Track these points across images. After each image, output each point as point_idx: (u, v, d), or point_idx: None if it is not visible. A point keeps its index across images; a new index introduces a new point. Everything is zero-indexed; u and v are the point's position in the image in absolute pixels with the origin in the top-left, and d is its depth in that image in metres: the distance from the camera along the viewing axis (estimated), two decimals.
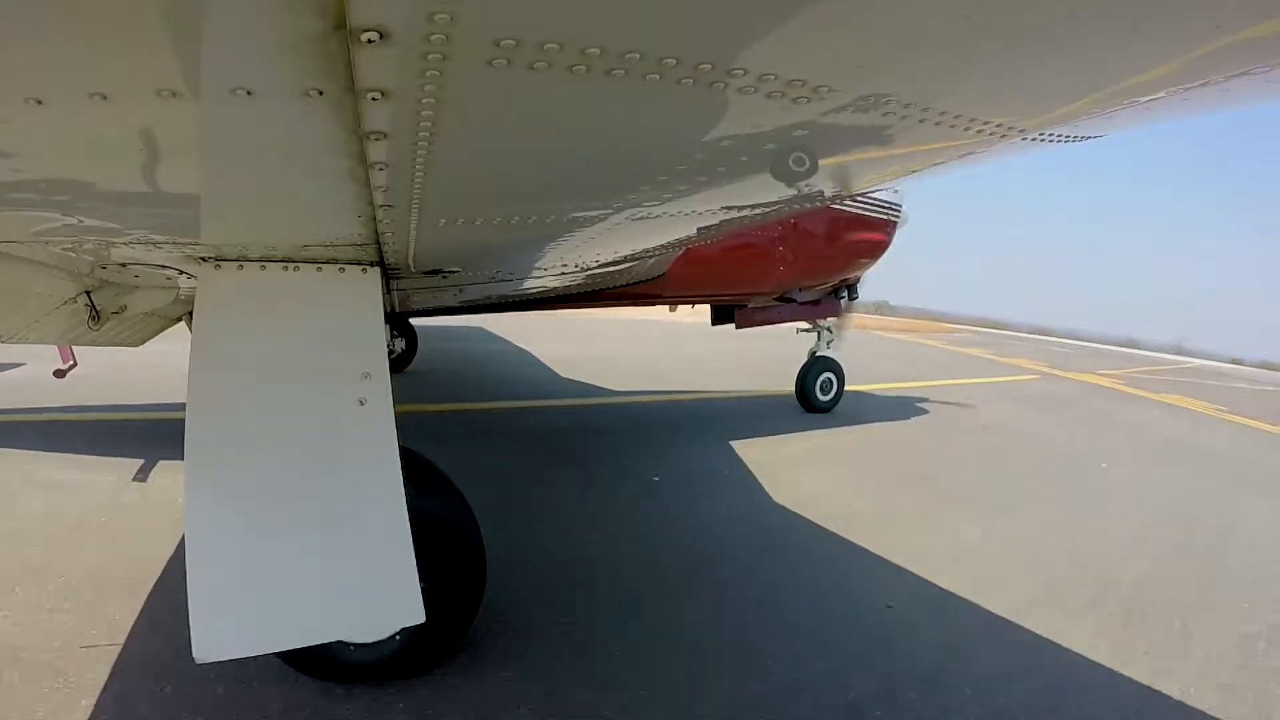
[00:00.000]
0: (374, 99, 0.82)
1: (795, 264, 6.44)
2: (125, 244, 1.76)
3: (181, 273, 2.21)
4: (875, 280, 7.73)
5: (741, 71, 0.82)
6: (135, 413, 5.70)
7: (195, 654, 1.75)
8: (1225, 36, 0.82)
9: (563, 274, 3.57)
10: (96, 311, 2.67)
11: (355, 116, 0.87)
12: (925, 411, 8.14)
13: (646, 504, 4.41)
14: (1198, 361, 19.71)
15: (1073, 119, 1.12)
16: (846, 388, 7.60)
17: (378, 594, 1.92)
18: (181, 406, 1.80)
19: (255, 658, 2.28)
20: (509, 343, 11.13)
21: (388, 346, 2.07)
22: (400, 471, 1.91)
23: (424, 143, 0.97)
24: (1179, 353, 21.03)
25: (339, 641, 2.21)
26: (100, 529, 3.47)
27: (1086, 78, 0.95)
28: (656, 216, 1.74)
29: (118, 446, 4.75)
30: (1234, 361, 20.33)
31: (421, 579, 1.92)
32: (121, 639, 2.55)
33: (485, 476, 4.62)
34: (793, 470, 5.39)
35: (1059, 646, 3.01)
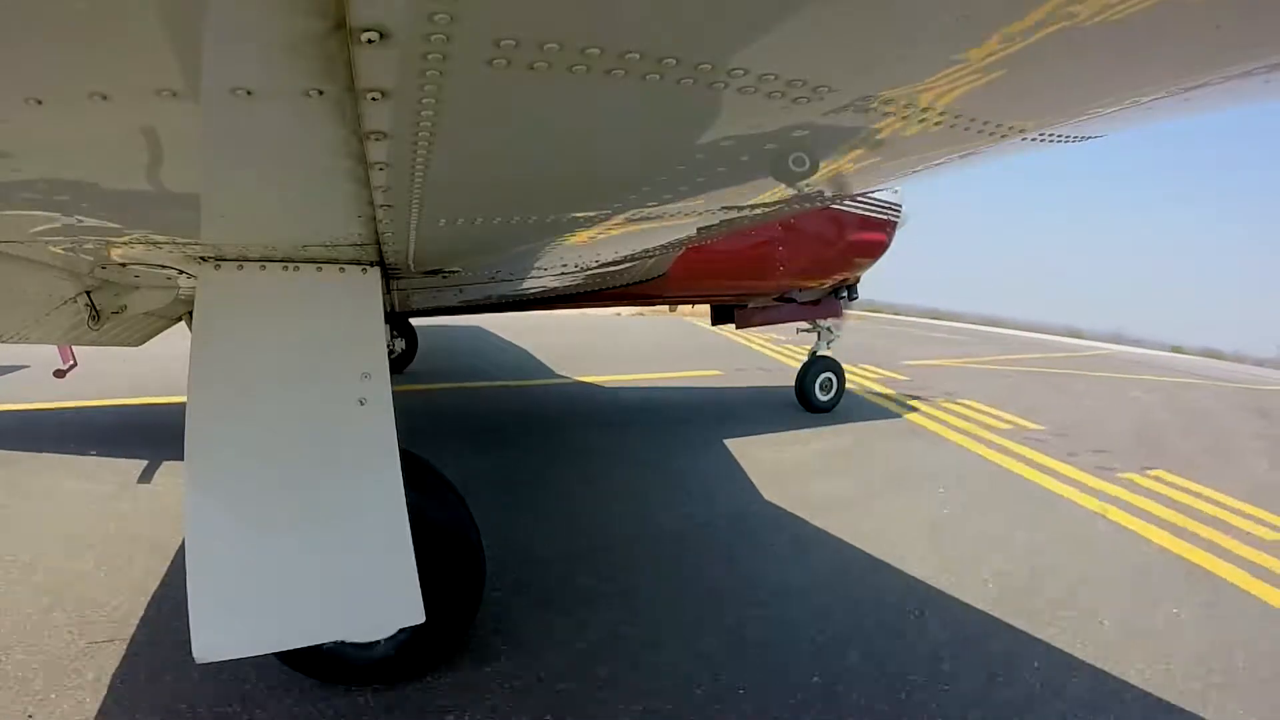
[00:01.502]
0: (374, 99, 0.82)
1: (795, 264, 6.43)
2: (125, 244, 1.76)
3: (181, 273, 2.21)
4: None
5: (741, 71, 0.82)
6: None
7: (195, 654, 1.75)
8: (1225, 36, 0.82)
9: (563, 274, 3.57)
10: (96, 311, 2.67)
11: (355, 116, 0.87)
12: None
13: None
14: (1119, 348, 17.25)
15: (1073, 119, 1.12)
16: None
17: (377, 594, 1.92)
18: (183, 404, 1.80)
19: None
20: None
21: (388, 346, 2.07)
22: (400, 471, 1.91)
23: (424, 143, 0.97)
24: (1117, 341, 20.18)
25: (338, 643, 2.21)
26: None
27: (1087, 77, 0.95)
28: (656, 216, 1.74)
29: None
30: (1174, 349, 19.52)
31: (420, 580, 1.92)
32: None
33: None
34: None
35: None
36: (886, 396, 8.13)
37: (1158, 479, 5.38)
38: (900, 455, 5.77)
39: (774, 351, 11.11)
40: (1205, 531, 4.32)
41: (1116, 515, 4.53)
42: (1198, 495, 5.04)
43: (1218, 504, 4.87)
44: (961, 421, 7.01)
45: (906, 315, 21.39)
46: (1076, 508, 4.66)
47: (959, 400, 8.04)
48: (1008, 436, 6.48)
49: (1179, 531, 4.28)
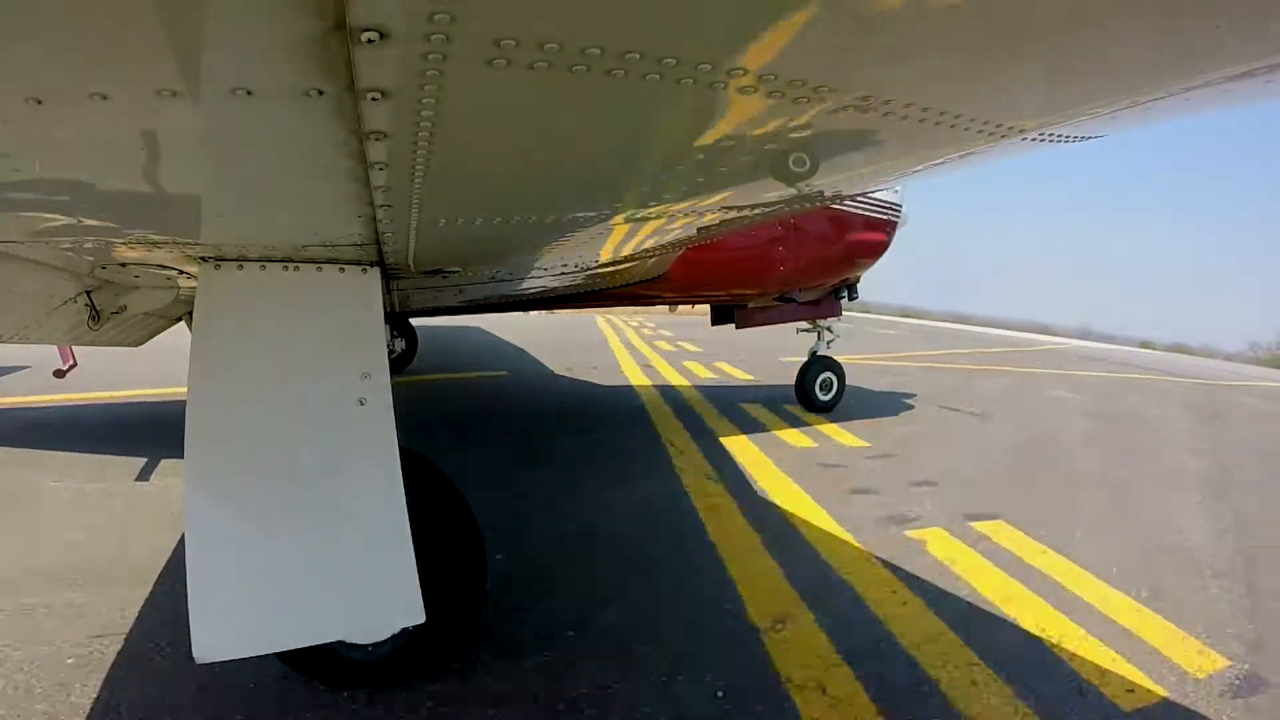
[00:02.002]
0: (374, 99, 0.82)
1: (795, 264, 6.43)
2: (125, 244, 1.76)
3: (181, 273, 2.21)
4: None
5: (741, 71, 0.82)
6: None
7: (195, 654, 1.75)
8: (1225, 36, 0.82)
9: (563, 274, 3.57)
10: (96, 311, 2.67)
11: (355, 116, 0.87)
12: None
13: None
14: (1079, 343, 16.54)
15: (1073, 119, 1.12)
16: None
17: (378, 594, 1.92)
18: (182, 401, 1.80)
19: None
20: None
21: (388, 346, 2.07)
22: (400, 471, 1.91)
23: (424, 143, 0.97)
24: (1085, 337, 20.04)
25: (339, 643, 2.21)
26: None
27: (1087, 77, 0.95)
28: (656, 216, 1.74)
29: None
30: (1144, 345, 19.33)
31: (421, 579, 1.92)
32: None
33: None
34: None
35: None
36: (684, 403, 6.72)
37: (981, 538, 3.34)
38: (533, 496, 3.89)
39: (641, 352, 9.74)
40: (963, 668, 2.29)
41: (796, 634, 2.50)
42: (1030, 575, 2.95)
43: (1060, 589, 2.84)
44: (734, 439, 5.34)
45: (873, 313, 21.23)
46: (722, 618, 2.63)
47: (786, 406, 6.57)
48: (787, 460, 4.65)
49: (888, 695, 2.17)
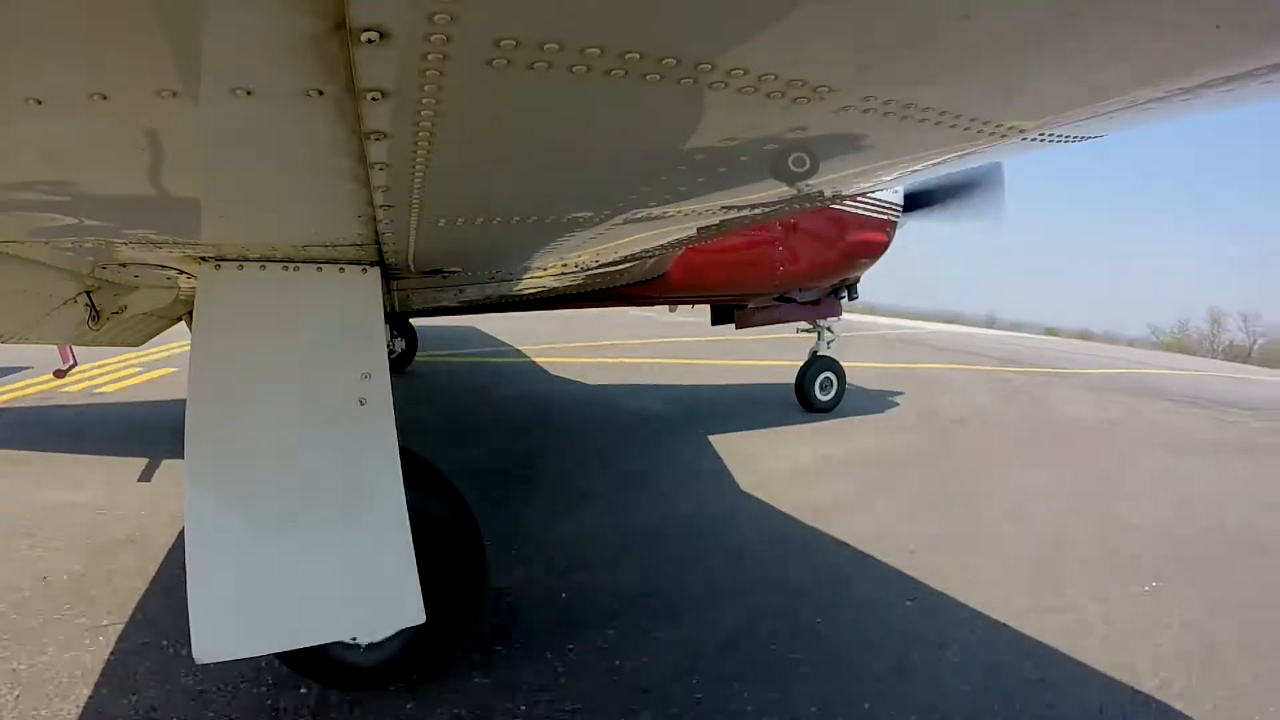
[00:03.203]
0: (374, 99, 0.82)
1: (795, 264, 6.43)
2: (125, 244, 1.76)
3: (181, 273, 2.21)
4: None
5: (742, 71, 0.82)
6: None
7: (195, 654, 1.75)
8: (1225, 36, 0.82)
9: (563, 274, 3.57)
10: (96, 311, 2.67)
11: (355, 116, 0.87)
12: None
13: None
14: (933, 327, 16.51)
15: (1073, 119, 1.12)
16: None
17: (378, 594, 1.92)
18: (183, 402, 1.79)
19: None
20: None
21: (388, 346, 2.07)
22: (400, 471, 1.91)
23: (424, 143, 0.97)
24: (990, 325, 20.02)
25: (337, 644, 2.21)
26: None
27: (1087, 77, 0.95)
28: (656, 216, 1.74)
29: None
30: (1049, 332, 19.36)
31: (421, 579, 1.92)
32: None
33: None
34: None
35: None
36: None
37: None
38: None
39: None
40: None
41: None
42: None
43: None
44: None
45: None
46: None
47: None
48: None
49: None
